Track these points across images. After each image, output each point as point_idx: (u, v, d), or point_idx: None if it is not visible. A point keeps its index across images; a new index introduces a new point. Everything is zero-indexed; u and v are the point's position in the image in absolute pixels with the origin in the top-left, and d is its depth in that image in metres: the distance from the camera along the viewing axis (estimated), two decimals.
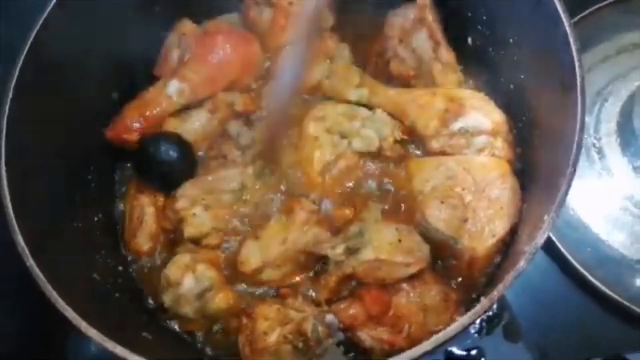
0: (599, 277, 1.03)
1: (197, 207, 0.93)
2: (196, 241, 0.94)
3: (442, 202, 0.87)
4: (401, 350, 0.76)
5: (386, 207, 0.92)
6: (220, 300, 0.88)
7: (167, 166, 0.95)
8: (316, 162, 0.95)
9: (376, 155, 0.96)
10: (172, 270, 0.90)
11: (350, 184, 0.96)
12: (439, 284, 0.84)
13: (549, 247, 1.08)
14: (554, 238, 1.06)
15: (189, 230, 0.93)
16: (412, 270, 0.83)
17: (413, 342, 0.77)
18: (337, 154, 0.95)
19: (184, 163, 0.97)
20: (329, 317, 0.82)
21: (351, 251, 0.85)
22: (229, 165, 0.99)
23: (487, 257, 0.86)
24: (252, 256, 0.89)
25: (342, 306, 0.83)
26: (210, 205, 0.94)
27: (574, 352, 1.04)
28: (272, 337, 0.81)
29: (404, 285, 0.84)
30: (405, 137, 0.96)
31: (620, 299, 1.02)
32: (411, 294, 0.82)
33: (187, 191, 0.95)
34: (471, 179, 0.88)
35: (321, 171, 0.95)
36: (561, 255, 1.06)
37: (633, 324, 1.04)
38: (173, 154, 0.95)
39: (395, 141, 0.95)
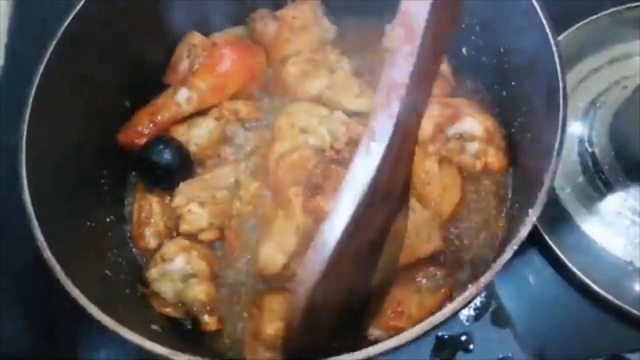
0: (594, 279, 1.06)
1: (193, 203, 0.98)
2: (192, 237, 0.99)
3: None
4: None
5: None
6: (201, 291, 0.93)
7: (162, 168, 1.00)
8: (274, 151, 1.00)
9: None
10: (170, 247, 0.95)
11: None
12: (424, 265, 0.88)
13: (544, 250, 1.11)
14: (549, 241, 1.08)
15: (184, 227, 0.98)
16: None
17: (415, 323, 0.80)
18: (294, 146, 0.99)
19: (179, 164, 1.02)
20: None
21: None
22: (223, 163, 1.05)
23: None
24: (274, 256, 0.91)
25: None
26: (206, 202, 0.99)
27: (570, 354, 1.05)
28: (271, 330, 0.84)
29: None
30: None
31: (615, 300, 1.04)
32: (402, 280, 0.86)
33: (183, 189, 1.00)
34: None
35: (276, 159, 0.99)
36: (556, 258, 1.08)
37: (628, 325, 1.06)
38: (167, 156, 1.00)
39: (349, 142, 0.98)
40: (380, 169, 0.61)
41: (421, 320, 0.65)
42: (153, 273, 0.96)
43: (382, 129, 0.60)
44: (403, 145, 0.65)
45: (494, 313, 0.77)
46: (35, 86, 0.88)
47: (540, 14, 0.81)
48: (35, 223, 0.77)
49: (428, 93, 0.66)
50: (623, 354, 1.03)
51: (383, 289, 0.84)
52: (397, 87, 0.59)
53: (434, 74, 0.66)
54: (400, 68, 0.59)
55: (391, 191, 0.70)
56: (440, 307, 0.66)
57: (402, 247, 0.83)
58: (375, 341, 0.83)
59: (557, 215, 1.12)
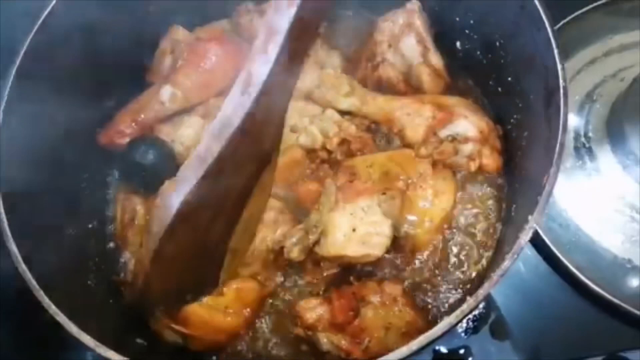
0: (591, 277, 1.04)
1: None
2: None
3: (383, 194, 0.89)
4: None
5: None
6: None
7: (146, 169, 0.97)
8: None
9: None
10: None
11: None
12: (409, 307, 0.85)
13: (540, 248, 1.09)
14: (545, 239, 1.06)
15: None
16: (370, 259, 0.87)
17: (369, 356, 0.79)
18: (284, 146, 0.96)
19: (164, 165, 0.98)
20: None
21: (312, 243, 0.87)
22: None
23: (428, 241, 0.92)
24: None
25: (310, 305, 0.83)
26: None
27: (566, 351, 1.04)
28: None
29: (375, 299, 0.85)
30: (350, 139, 0.96)
31: (612, 298, 1.03)
32: (380, 311, 0.83)
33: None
34: (404, 172, 0.91)
35: None
36: (553, 256, 1.06)
37: (626, 323, 1.04)
38: (151, 157, 0.97)
39: (341, 142, 0.96)
40: (252, 112, 0.69)
41: (375, 356, 0.63)
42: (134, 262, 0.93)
43: (259, 73, 0.67)
44: (276, 96, 0.73)
45: (492, 325, 0.75)
46: (8, 85, 0.84)
47: (539, 6, 0.77)
48: (9, 235, 0.73)
49: (306, 46, 0.74)
50: (621, 352, 1.02)
51: (242, 247, 0.89)
52: (276, 33, 0.65)
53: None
54: (281, 14, 0.65)
55: (261, 136, 0.79)
56: None
57: (265, 205, 0.90)
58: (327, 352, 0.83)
59: (553, 213, 1.10)
